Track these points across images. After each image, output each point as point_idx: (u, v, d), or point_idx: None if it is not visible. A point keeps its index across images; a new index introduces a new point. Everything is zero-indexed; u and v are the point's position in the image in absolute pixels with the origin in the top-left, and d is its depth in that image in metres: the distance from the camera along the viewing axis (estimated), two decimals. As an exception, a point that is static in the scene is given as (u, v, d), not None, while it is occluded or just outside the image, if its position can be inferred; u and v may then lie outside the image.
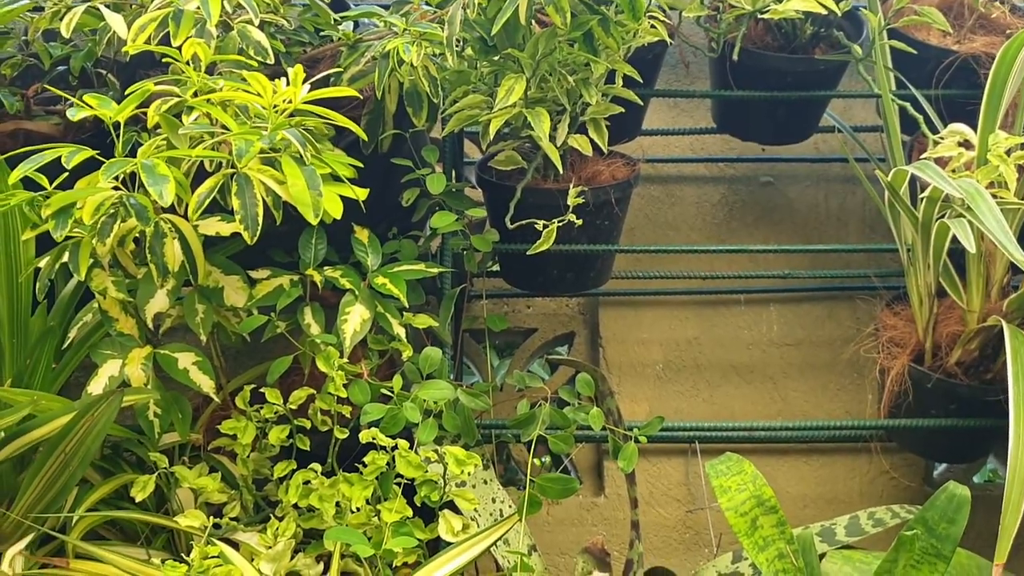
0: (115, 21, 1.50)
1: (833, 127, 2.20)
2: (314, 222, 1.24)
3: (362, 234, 1.67)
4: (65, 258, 1.36)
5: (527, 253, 1.64)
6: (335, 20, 1.67)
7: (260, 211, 1.28)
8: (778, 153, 2.35)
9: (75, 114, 1.23)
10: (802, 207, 2.36)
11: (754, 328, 2.25)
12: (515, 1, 1.41)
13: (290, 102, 1.27)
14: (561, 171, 1.64)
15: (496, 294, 2.22)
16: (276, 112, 1.26)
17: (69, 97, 1.44)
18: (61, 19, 1.59)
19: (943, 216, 1.64)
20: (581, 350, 2.30)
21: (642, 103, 1.80)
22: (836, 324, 2.24)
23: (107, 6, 1.55)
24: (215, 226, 1.52)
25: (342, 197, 1.36)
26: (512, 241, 1.79)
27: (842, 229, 2.34)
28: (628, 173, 1.87)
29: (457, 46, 1.57)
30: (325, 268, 1.64)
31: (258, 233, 1.27)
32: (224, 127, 1.29)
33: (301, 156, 1.28)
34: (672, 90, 2.09)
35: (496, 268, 2.00)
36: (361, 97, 1.55)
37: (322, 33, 1.66)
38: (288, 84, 1.27)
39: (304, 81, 1.33)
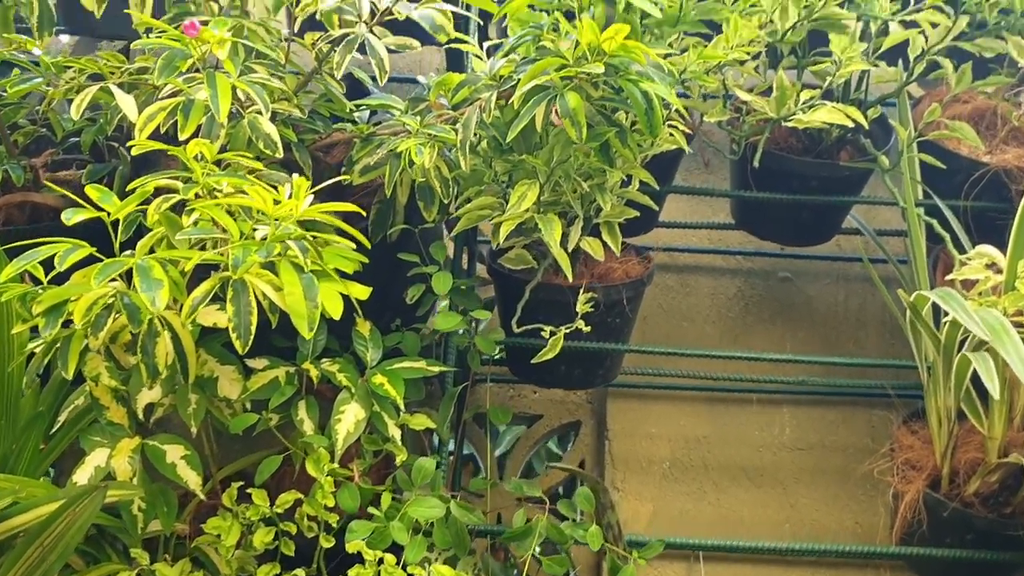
0: (126, 104, 1.48)
1: (856, 228, 2.15)
2: (308, 336, 1.20)
3: (363, 327, 1.63)
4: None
5: (532, 362, 1.59)
6: (350, 109, 1.65)
7: (254, 319, 1.24)
8: (797, 249, 2.30)
9: (71, 217, 1.20)
10: (820, 306, 2.31)
11: (766, 430, 2.19)
12: (532, 110, 1.37)
13: (293, 211, 1.24)
14: (571, 275, 1.60)
15: (502, 379, 2.17)
16: (278, 223, 1.23)
17: (66, 193, 1.42)
18: (76, 93, 1.58)
19: (967, 338, 1.58)
20: (587, 441, 2.24)
21: (658, 208, 1.76)
22: (851, 431, 2.18)
23: (121, 85, 1.53)
24: (213, 316, 1.48)
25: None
26: (520, 334, 1.74)
27: (860, 331, 2.28)
28: (642, 271, 1.83)
29: (474, 137, 1.53)
30: (323, 360, 1.59)
31: (250, 342, 1.23)
32: (224, 229, 1.25)
33: (301, 263, 1.25)
34: (690, 187, 2.05)
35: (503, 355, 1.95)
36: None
37: (336, 124, 1.63)
38: (291, 193, 1.24)
39: (312, 181, 1.31)
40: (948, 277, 1.66)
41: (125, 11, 1.61)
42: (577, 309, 1.59)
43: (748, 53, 1.63)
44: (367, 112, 1.75)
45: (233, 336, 1.22)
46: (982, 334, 1.37)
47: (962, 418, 1.71)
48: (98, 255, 1.27)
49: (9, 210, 1.69)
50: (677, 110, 1.63)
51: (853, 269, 2.33)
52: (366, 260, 1.42)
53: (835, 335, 2.28)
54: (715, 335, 2.29)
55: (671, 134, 1.57)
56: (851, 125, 1.64)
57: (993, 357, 1.47)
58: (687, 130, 1.59)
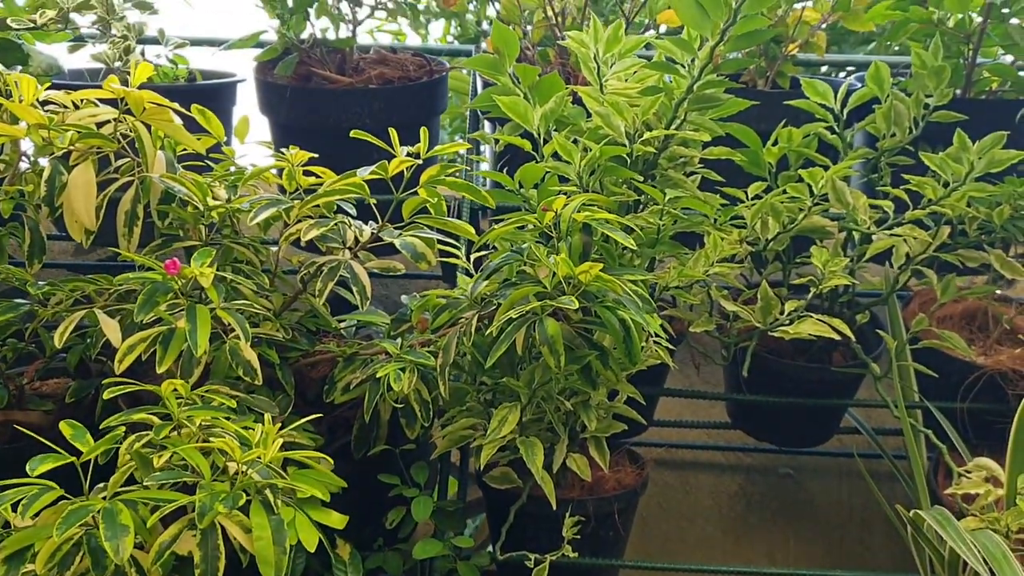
0: (110, 329, 1.49)
1: (855, 427, 2.11)
2: (274, 587, 1.16)
3: (344, 551, 1.57)
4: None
5: (517, 589, 1.54)
6: (335, 326, 1.66)
7: (222, 563, 1.20)
8: (798, 444, 2.25)
9: (35, 468, 1.19)
10: (823, 504, 2.24)
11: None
12: (511, 335, 1.37)
13: (262, 457, 1.22)
14: (554, 501, 1.55)
15: (494, 587, 2.09)
16: (247, 468, 1.21)
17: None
18: (67, 312, 1.59)
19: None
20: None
21: (650, 413, 1.74)
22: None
23: (107, 311, 1.55)
24: (187, 544, 1.43)
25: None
26: (509, 548, 1.68)
27: (865, 531, 2.21)
28: (635, 480, 1.78)
29: (458, 355, 1.53)
30: (303, 587, 1.54)
31: (218, 592, 1.19)
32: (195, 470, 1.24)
33: (272, 503, 1.22)
34: (682, 389, 2.03)
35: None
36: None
37: (320, 344, 1.63)
38: (263, 431, 1.23)
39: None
40: (947, 492, 1.62)
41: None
42: (564, 534, 1.54)
43: (730, 268, 1.64)
44: (353, 328, 1.76)
45: (200, 584, 1.19)
46: (981, 569, 1.32)
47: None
48: (68, 495, 1.24)
49: (-9, 430, 1.68)
50: (662, 323, 1.63)
51: (855, 465, 2.27)
52: (344, 484, 1.39)
53: (839, 535, 2.21)
54: (716, 535, 2.22)
55: (655, 349, 1.55)
56: (838, 338, 1.62)
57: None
58: (671, 346, 1.58)
